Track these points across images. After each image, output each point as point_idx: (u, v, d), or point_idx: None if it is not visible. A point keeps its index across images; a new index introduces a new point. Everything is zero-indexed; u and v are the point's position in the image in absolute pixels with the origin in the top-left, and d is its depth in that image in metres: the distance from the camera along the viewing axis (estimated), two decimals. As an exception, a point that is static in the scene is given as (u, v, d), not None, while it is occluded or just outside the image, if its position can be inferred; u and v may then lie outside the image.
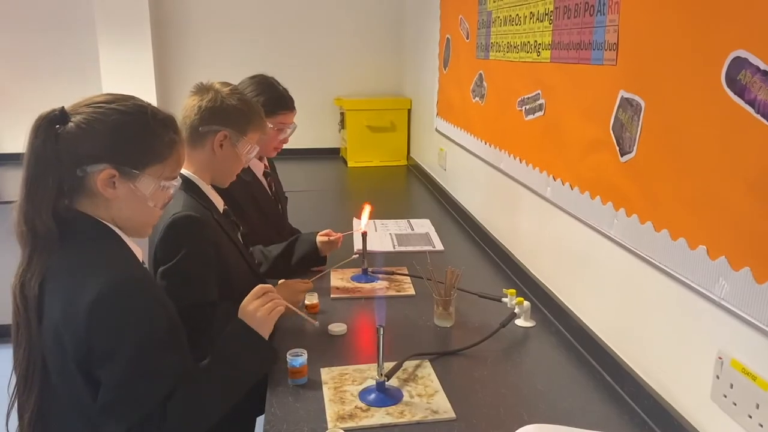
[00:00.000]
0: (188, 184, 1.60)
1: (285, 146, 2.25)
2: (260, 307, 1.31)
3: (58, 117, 1.13)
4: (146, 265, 1.24)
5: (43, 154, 1.11)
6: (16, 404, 1.18)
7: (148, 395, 1.11)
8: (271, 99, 2.09)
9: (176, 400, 1.14)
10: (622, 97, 1.39)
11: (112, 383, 1.09)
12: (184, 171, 1.61)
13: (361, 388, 1.37)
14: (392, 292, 1.92)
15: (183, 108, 1.66)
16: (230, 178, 1.73)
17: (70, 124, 1.13)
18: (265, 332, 1.30)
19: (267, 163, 2.29)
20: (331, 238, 2.01)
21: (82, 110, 1.15)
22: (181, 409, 1.14)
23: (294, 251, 2.00)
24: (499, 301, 1.79)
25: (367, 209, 2.04)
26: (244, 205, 2.07)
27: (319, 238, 2.00)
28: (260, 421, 1.75)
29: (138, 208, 1.19)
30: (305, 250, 2.00)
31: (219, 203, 1.69)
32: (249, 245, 2.00)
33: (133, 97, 1.22)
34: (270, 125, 1.98)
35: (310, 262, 2.00)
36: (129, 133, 1.16)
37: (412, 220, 2.69)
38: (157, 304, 1.16)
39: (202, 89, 1.67)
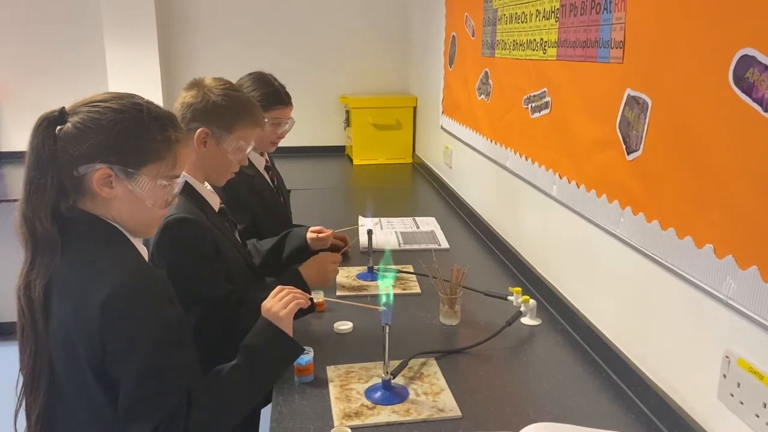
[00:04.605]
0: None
1: (291, 144, 2.26)
2: (277, 303, 1.32)
3: (57, 118, 1.13)
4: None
5: (42, 155, 1.11)
6: (23, 404, 1.18)
7: (170, 391, 1.11)
8: (266, 94, 2.10)
9: (200, 394, 1.14)
10: (628, 95, 1.39)
11: (132, 382, 1.09)
12: None
13: (367, 386, 1.38)
14: (398, 291, 1.92)
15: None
16: (225, 175, 1.68)
17: (68, 125, 1.12)
18: (284, 326, 1.30)
19: (268, 158, 2.29)
20: (320, 235, 2.01)
21: (80, 110, 1.14)
22: (207, 404, 1.14)
23: (285, 245, 2.00)
24: (505, 299, 1.79)
25: (371, 210, 2.04)
26: (249, 200, 2.07)
27: (309, 234, 2.00)
28: (265, 419, 1.75)
29: (137, 208, 1.18)
30: (296, 244, 2.00)
31: (215, 202, 1.66)
32: (255, 238, 2.00)
33: (132, 96, 1.20)
34: (266, 120, 1.97)
35: (301, 257, 2.00)
36: (123, 131, 1.14)
37: (417, 218, 2.69)
38: (167, 301, 1.16)
39: (191, 85, 1.65)
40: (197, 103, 1.60)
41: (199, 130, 1.59)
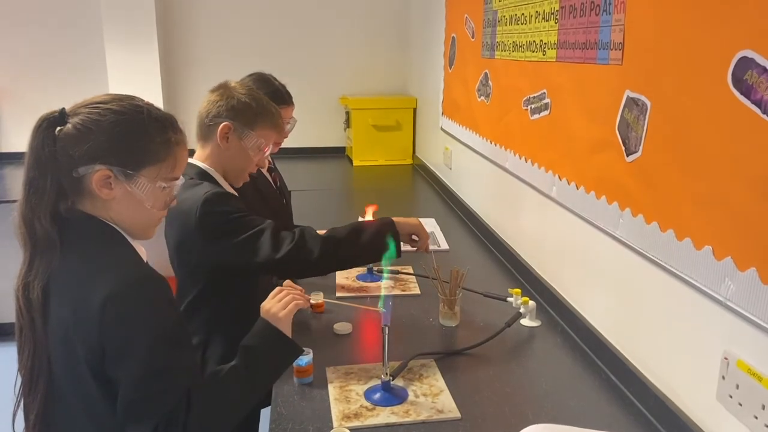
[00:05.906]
0: (204, 175, 1.64)
1: (291, 145, 2.26)
2: (276, 304, 1.32)
3: (57, 118, 1.13)
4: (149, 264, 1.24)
5: (42, 155, 1.11)
6: (22, 404, 1.18)
7: (169, 391, 1.11)
8: (267, 94, 2.10)
9: (199, 395, 1.14)
10: (627, 96, 1.39)
11: (131, 382, 1.09)
12: (199, 163, 1.65)
13: (366, 387, 1.38)
14: (397, 292, 1.92)
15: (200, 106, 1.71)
16: (242, 175, 1.75)
17: (68, 126, 1.12)
18: (283, 327, 1.30)
19: (270, 159, 2.30)
20: None
21: (80, 111, 1.14)
22: (206, 404, 1.14)
23: None
24: (505, 300, 1.79)
25: (370, 210, 2.04)
26: (252, 200, 2.08)
27: None
28: (264, 420, 1.75)
29: (136, 209, 1.18)
30: None
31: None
32: None
33: (132, 97, 1.20)
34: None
35: None
36: (123, 133, 1.14)
37: (417, 220, 2.69)
38: (165, 301, 1.16)
39: (217, 87, 1.72)
40: (222, 100, 1.68)
41: (222, 125, 1.66)
